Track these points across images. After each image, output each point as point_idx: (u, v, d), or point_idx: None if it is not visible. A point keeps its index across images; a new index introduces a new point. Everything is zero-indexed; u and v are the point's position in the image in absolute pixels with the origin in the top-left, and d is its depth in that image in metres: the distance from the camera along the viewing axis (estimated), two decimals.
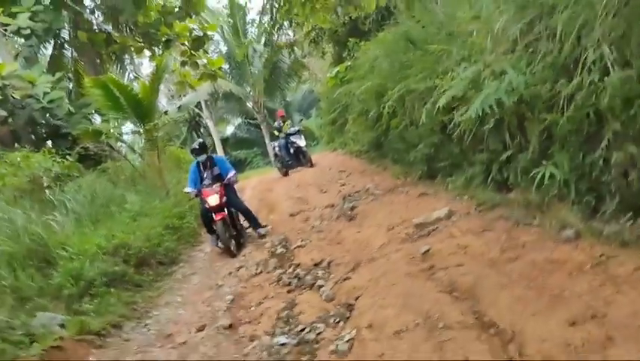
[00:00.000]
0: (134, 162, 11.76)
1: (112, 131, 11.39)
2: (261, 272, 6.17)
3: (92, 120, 14.92)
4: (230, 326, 4.73)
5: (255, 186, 13.93)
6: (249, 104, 28.14)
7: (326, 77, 16.21)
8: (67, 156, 11.11)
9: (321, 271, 5.45)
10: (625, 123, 3.81)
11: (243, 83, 26.82)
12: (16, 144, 12.02)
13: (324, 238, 6.55)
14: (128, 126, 14.48)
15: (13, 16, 12.52)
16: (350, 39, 13.58)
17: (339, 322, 4.17)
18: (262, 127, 27.62)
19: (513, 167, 5.35)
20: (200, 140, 9.55)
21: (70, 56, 17.72)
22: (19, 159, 9.13)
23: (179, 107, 17.27)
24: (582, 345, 2.65)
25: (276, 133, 15.26)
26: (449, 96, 5.80)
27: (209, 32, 15.47)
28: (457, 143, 6.62)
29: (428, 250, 4.75)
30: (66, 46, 17.34)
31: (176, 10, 14.91)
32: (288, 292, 5.21)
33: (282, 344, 3.99)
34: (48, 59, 18.00)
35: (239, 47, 25.17)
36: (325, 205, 8.34)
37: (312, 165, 14.07)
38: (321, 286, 5.04)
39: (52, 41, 16.64)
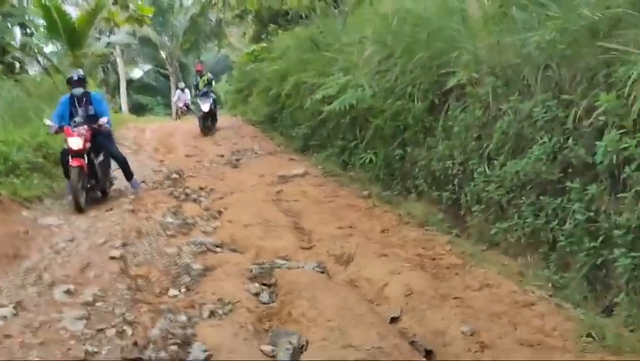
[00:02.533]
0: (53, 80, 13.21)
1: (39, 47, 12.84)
2: (157, 188, 8.29)
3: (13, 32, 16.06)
4: (133, 210, 6.88)
5: (156, 129, 15.74)
6: (163, 54, 29.48)
7: (243, 51, 18.35)
8: None
9: (203, 193, 7.71)
10: (412, 134, 6.43)
11: (162, 33, 28.11)
12: None
13: (211, 175, 8.80)
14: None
15: None
16: (271, 24, 15.82)
17: (209, 219, 6.48)
18: (171, 79, 29.08)
19: (355, 152, 7.91)
20: (81, 71, 8.59)
21: None
22: None
23: (108, 44, 18.58)
24: (336, 235, 5.16)
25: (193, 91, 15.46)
26: (325, 93, 8.25)
27: None
28: (326, 129, 9.14)
29: (280, 191, 7.21)
30: None
31: None
32: (177, 201, 7.41)
33: (170, 222, 6.23)
34: None
35: None
36: (217, 154, 10.56)
37: (211, 132, 13.68)
38: (202, 201, 7.31)
39: None
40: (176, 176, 8.88)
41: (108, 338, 3.51)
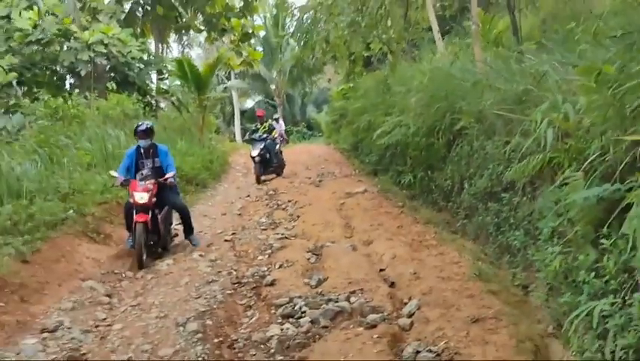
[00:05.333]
0: (183, 118, 17.01)
1: (175, 92, 16.73)
2: (258, 200, 11.48)
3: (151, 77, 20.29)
4: (240, 214, 10.04)
5: None
6: (272, 87, 33.54)
7: (335, 88, 21.53)
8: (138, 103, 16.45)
9: (290, 204, 10.74)
10: (435, 161, 9.08)
11: (271, 68, 32.13)
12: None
13: (298, 192, 11.86)
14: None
15: None
16: (358, 67, 18.81)
17: (290, 220, 9.46)
18: (278, 109, 32.98)
19: (402, 175, 10.61)
20: (149, 122, 8.36)
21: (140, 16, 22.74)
22: (116, 100, 14.47)
23: (225, 88, 22.59)
24: (368, 230, 7.94)
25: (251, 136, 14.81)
26: (384, 129, 11.03)
27: (256, 32, 20.81)
28: (387, 158, 11.91)
29: (343, 203, 10.09)
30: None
31: (237, 9, 20.26)
32: (271, 209, 10.49)
33: (263, 222, 9.30)
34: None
35: (275, 37, 30.51)
36: (305, 177, 13.67)
37: (278, 175, 14.29)
38: (287, 209, 10.35)
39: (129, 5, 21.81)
40: (272, 192, 12.04)
41: (223, 275, 6.58)
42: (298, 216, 9.63)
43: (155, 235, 7.64)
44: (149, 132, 7.80)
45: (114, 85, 18.45)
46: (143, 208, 7.36)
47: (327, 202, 10.37)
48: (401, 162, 10.91)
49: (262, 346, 4.79)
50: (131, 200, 7.45)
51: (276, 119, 24.57)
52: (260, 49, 31.48)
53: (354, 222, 8.75)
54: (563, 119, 4.78)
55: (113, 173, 7.80)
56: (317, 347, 4.64)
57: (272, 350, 4.68)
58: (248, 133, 14.96)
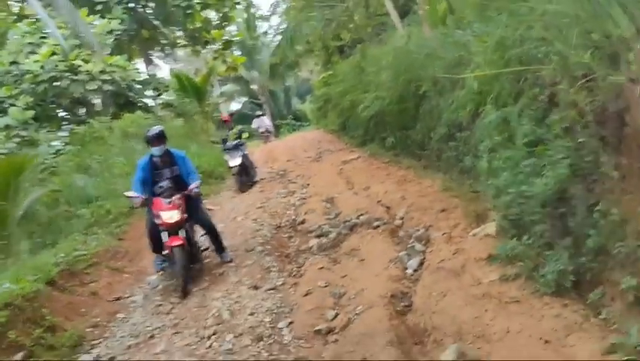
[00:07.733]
0: (189, 125, 19.65)
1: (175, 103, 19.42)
2: (272, 180, 14.16)
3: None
4: (261, 191, 12.76)
5: (259, 151, 21.90)
6: (254, 87, 36.20)
7: (316, 78, 24.24)
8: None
9: (299, 178, 13.47)
10: (408, 122, 11.84)
11: (251, 69, 34.79)
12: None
13: (303, 168, 14.62)
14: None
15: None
16: (334, 55, 21.56)
17: (303, 188, 12.18)
18: (264, 106, 35.67)
19: (385, 139, 13.33)
20: (160, 127, 7.59)
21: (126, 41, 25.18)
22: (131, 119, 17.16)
23: (221, 93, 25.27)
24: (364, 181, 10.69)
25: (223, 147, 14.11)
26: (364, 106, 13.74)
27: (236, 38, 23.46)
28: (372, 128, 14.64)
29: (342, 168, 12.85)
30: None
31: (215, 21, 22.89)
32: (285, 184, 13.20)
33: (282, 192, 12.03)
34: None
35: (250, 40, 33.18)
36: (306, 157, 16.43)
37: (253, 183, 13.71)
38: (297, 181, 13.08)
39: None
40: (282, 172, 14.79)
41: (265, 225, 9.32)
42: (308, 184, 12.36)
43: (191, 255, 7.17)
44: (162, 136, 7.10)
45: (117, 108, 20.95)
46: (174, 228, 6.78)
47: (329, 171, 13.12)
48: (383, 130, 13.62)
49: (308, 250, 7.57)
50: (157, 221, 6.84)
51: (258, 116, 26.02)
52: (238, 53, 34.18)
53: (353, 179, 11.50)
54: (481, 73, 7.53)
55: (129, 193, 7.00)
56: (344, 244, 7.42)
57: (314, 250, 7.45)
58: (220, 145, 14.33)
